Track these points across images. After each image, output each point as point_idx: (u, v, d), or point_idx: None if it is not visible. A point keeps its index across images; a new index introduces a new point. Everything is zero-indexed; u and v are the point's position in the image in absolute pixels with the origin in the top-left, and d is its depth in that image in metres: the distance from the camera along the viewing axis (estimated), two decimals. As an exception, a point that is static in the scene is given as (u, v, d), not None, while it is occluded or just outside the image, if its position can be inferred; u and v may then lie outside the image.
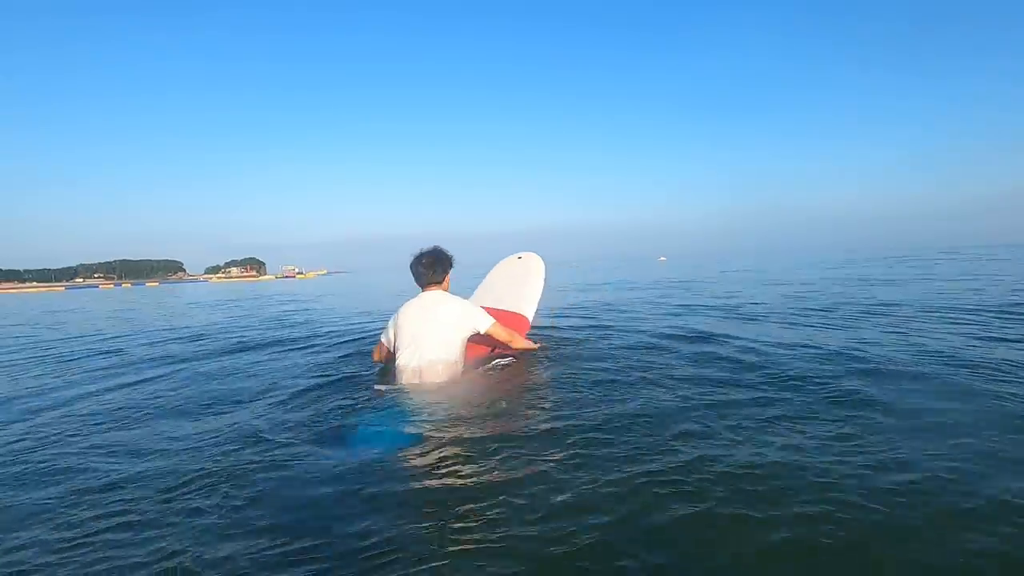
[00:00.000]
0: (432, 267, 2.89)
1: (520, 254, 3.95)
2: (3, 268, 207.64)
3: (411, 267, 2.92)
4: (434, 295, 2.88)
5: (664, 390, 2.54)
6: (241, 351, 4.53)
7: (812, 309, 5.47)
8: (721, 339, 3.79)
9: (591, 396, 2.50)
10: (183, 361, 4.18)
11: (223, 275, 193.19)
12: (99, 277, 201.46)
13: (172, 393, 3.10)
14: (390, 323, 2.91)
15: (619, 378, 2.80)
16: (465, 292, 3.46)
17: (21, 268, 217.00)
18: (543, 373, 3.01)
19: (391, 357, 2.89)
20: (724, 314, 5.45)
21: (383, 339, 3.00)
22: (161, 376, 3.61)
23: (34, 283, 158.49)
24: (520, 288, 3.67)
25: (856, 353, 3.17)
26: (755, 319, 4.99)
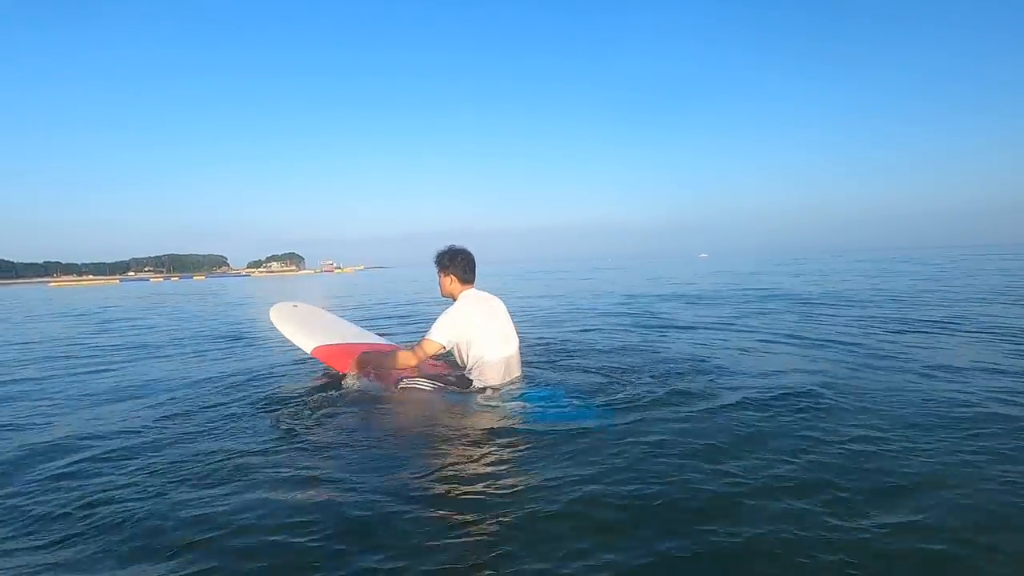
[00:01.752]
0: (475, 266, 3.00)
1: (293, 303, 4.12)
2: (62, 262, 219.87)
3: (460, 262, 2.94)
4: (486, 293, 3.04)
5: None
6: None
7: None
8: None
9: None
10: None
11: (264, 269, 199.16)
12: (149, 271, 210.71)
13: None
14: (456, 324, 2.82)
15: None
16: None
17: (79, 262, 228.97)
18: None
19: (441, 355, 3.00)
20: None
21: (444, 340, 2.82)
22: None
23: (90, 276, 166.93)
24: (344, 326, 4.12)
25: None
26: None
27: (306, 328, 3.82)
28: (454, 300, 2.95)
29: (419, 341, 2.86)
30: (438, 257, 2.97)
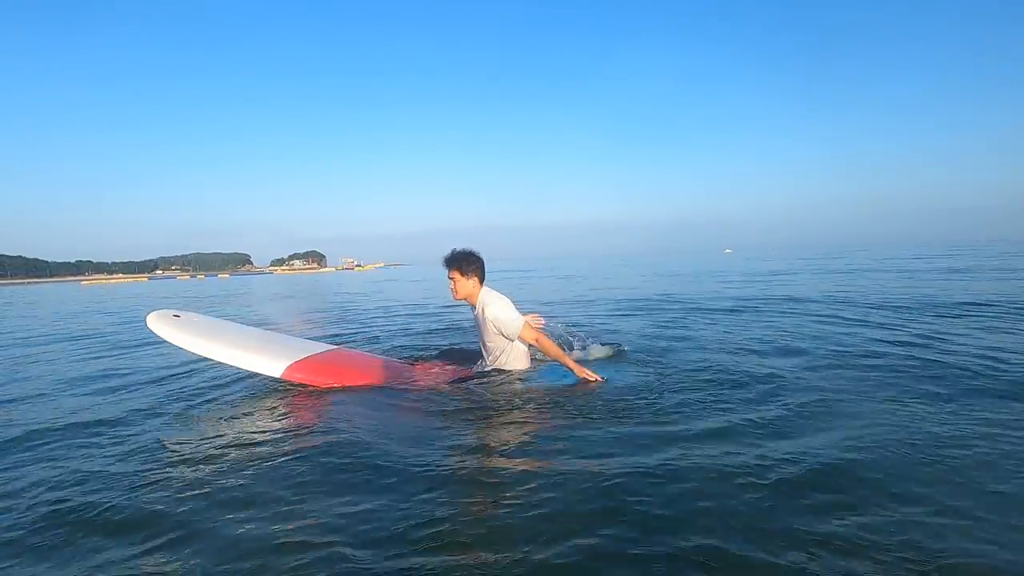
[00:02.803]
0: None
1: (173, 311, 3.17)
2: (94, 261, 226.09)
3: (480, 263, 2.95)
4: None
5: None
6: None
7: None
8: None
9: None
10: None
11: (287, 267, 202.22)
12: (176, 269, 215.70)
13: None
14: (512, 305, 2.96)
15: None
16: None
17: (109, 261, 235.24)
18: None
19: None
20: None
21: (522, 315, 3.00)
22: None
23: (120, 275, 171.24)
24: (267, 335, 3.54)
25: None
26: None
27: (238, 342, 2.98)
28: (469, 301, 2.97)
29: (525, 332, 2.91)
30: (455, 261, 2.91)
